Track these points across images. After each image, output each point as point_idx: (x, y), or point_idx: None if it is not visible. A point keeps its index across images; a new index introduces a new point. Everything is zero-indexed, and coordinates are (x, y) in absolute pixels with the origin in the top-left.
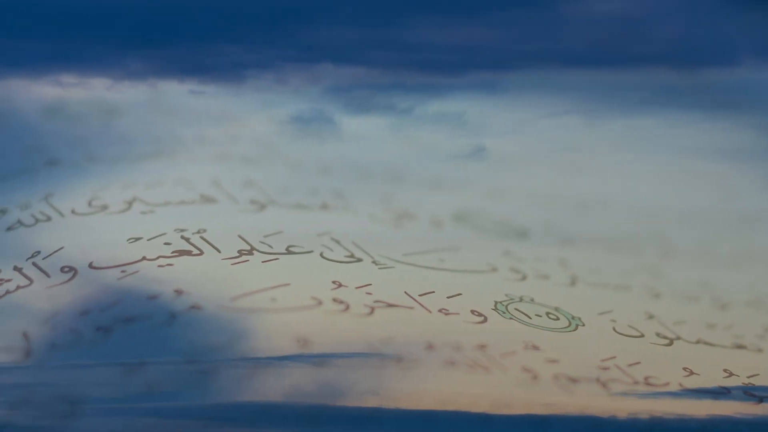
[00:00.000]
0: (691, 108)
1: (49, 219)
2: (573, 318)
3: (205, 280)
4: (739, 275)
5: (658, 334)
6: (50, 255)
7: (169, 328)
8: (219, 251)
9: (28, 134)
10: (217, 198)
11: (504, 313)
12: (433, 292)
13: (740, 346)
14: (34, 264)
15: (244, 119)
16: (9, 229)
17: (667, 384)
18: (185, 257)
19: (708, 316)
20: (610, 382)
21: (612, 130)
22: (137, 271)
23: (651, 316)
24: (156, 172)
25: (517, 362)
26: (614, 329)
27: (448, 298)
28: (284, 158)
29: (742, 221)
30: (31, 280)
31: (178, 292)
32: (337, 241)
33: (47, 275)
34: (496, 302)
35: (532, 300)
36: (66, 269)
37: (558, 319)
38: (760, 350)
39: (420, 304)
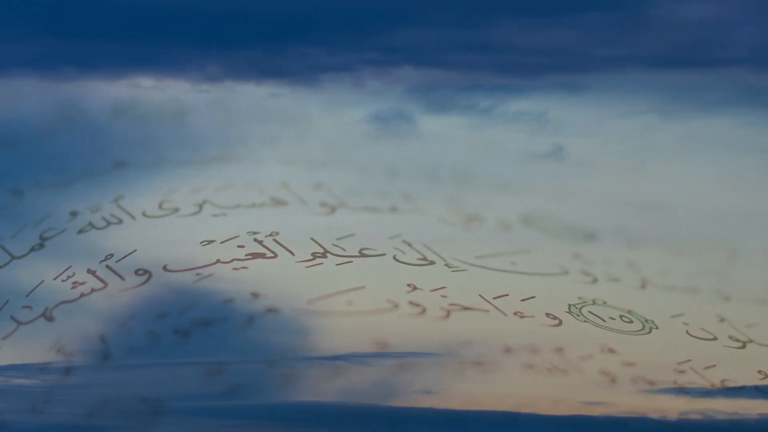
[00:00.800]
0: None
1: (120, 222)
2: (646, 321)
3: (280, 283)
4: None
5: (730, 337)
6: (123, 258)
7: (246, 330)
8: (293, 254)
9: (97, 136)
10: (287, 200)
11: (578, 315)
12: (507, 295)
13: None
14: (107, 267)
15: (317, 121)
16: (80, 231)
17: (743, 386)
18: (259, 260)
19: None
20: (687, 385)
21: (688, 130)
22: (212, 274)
23: (722, 319)
24: (226, 174)
25: (594, 365)
26: (687, 332)
27: (522, 300)
28: (353, 161)
29: None
30: (105, 283)
31: (255, 295)
32: (409, 244)
33: (121, 278)
34: (569, 305)
35: (605, 303)
36: (140, 272)
37: (631, 322)
38: None
39: (495, 307)
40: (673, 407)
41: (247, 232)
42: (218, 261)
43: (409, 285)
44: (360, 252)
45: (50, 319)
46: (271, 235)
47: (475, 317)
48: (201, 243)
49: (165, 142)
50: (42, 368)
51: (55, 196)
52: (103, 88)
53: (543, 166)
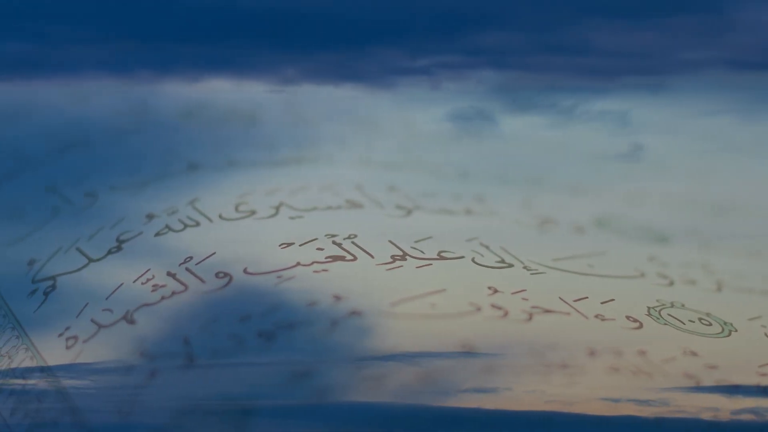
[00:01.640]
0: None
1: (197, 224)
2: (725, 324)
3: (360, 286)
4: None
5: None
6: (203, 260)
7: (331, 333)
8: (372, 256)
9: (169, 138)
10: (363, 203)
11: (658, 318)
12: (587, 297)
13: None
14: (187, 269)
15: (390, 124)
16: (157, 234)
17: None
18: (338, 262)
19: None
20: None
21: (766, 130)
22: (293, 277)
23: None
24: (300, 176)
25: (678, 368)
26: (766, 334)
27: (602, 303)
28: (426, 163)
29: None
30: (185, 286)
31: (337, 298)
32: (486, 247)
33: (202, 281)
34: (648, 308)
35: (683, 306)
36: (221, 275)
37: (710, 324)
38: None
39: (576, 309)
40: (760, 408)
41: (326, 235)
42: (298, 264)
43: (489, 288)
44: (439, 255)
45: (131, 321)
46: (349, 237)
47: (557, 320)
48: (280, 245)
49: (237, 143)
50: (126, 371)
51: (130, 199)
52: (176, 90)
53: (618, 167)
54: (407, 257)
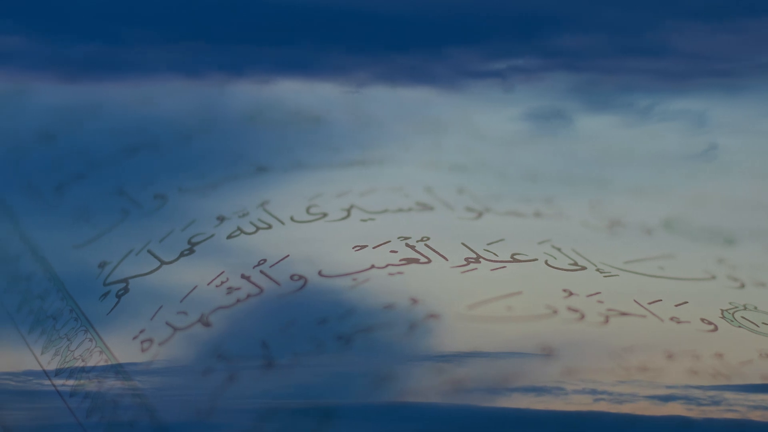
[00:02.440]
0: None
1: (269, 227)
2: None
3: (436, 289)
4: None
5: None
6: (277, 263)
7: (409, 336)
8: (446, 259)
9: (237, 140)
10: (433, 205)
11: (732, 321)
12: (661, 300)
13: None
14: (261, 272)
15: (459, 126)
16: (230, 236)
17: None
18: (413, 265)
19: None
20: None
21: None
22: (368, 280)
23: None
24: (368, 178)
25: (755, 371)
26: None
27: (676, 306)
28: (494, 165)
29: None
30: (261, 288)
31: (414, 301)
32: (558, 249)
33: (277, 283)
34: (722, 310)
35: (756, 308)
36: (296, 277)
37: None
38: None
39: (651, 312)
40: None
41: (398, 237)
42: (373, 266)
43: (564, 290)
44: (512, 257)
45: (207, 324)
46: (422, 240)
47: (633, 323)
48: (353, 248)
49: (305, 145)
50: (204, 373)
51: (200, 201)
52: (244, 91)
53: (688, 167)
54: (481, 260)
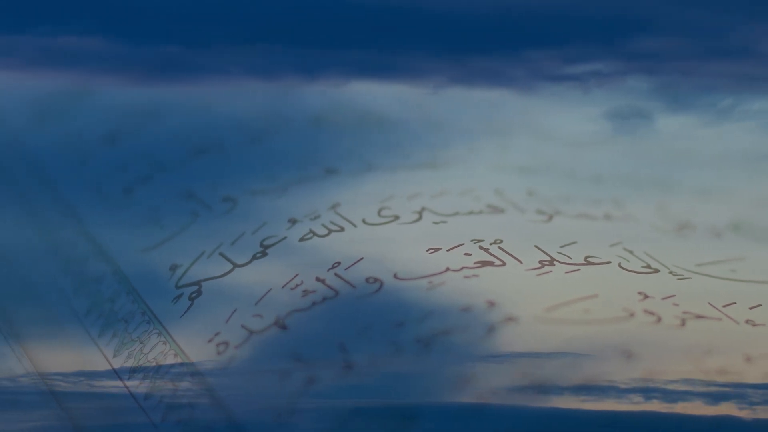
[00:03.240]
0: None
1: (342, 229)
2: None
3: (511, 291)
4: None
5: None
6: (351, 266)
7: (487, 339)
8: (520, 262)
9: (305, 142)
10: (504, 208)
11: None
12: (735, 303)
13: None
14: (336, 275)
15: (532, 128)
16: (302, 239)
17: None
18: (487, 268)
19: None
20: None
21: None
22: (443, 283)
23: None
24: (438, 181)
25: None
26: None
27: (750, 309)
28: (562, 167)
29: None
30: (336, 291)
31: (491, 304)
32: (630, 251)
33: (352, 286)
34: None
35: None
36: (371, 280)
37: None
38: None
39: (726, 315)
40: None
41: (472, 240)
42: (448, 269)
43: (639, 293)
44: (585, 260)
45: (283, 327)
46: (495, 242)
47: (710, 326)
48: (427, 250)
49: (374, 147)
50: (282, 376)
51: (270, 203)
52: (314, 93)
53: (756, 169)
54: (555, 262)
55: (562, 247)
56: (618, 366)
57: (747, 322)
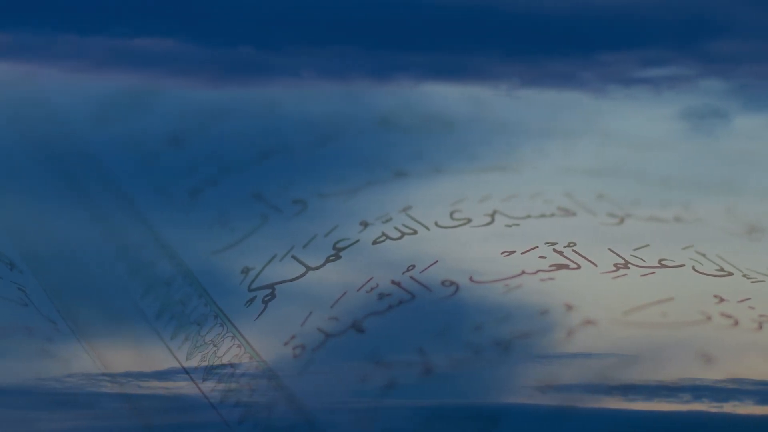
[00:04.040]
0: None
1: (414, 232)
2: None
3: (588, 295)
4: None
5: None
6: (426, 269)
7: (567, 342)
8: (595, 265)
9: (373, 144)
10: (575, 211)
11: None
12: None
13: None
14: (411, 278)
15: (601, 130)
16: (375, 242)
17: None
18: (563, 271)
19: None
20: None
21: None
22: (519, 286)
23: None
24: (508, 183)
25: None
26: None
27: None
28: (631, 170)
29: None
30: (412, 294)
31: (568, 307)
32: (703, 254)
33: (428, 289)
34: None
35: None
36: (447, 283)
37: None
38: None
39: None
40: None
41: (545, 243)
42: (523, 272)
43: (715, 296)
44: (659, 263)
45: (360, 330)
46: (568, 245)
47: None
48: (501, 253)
49: (441, 150)
50: (361, 380)
51: (340, 206)
52: (382, 95)
53: None
54: (629, 265)
55: (635, 250)
56: (699, 368)
57: None
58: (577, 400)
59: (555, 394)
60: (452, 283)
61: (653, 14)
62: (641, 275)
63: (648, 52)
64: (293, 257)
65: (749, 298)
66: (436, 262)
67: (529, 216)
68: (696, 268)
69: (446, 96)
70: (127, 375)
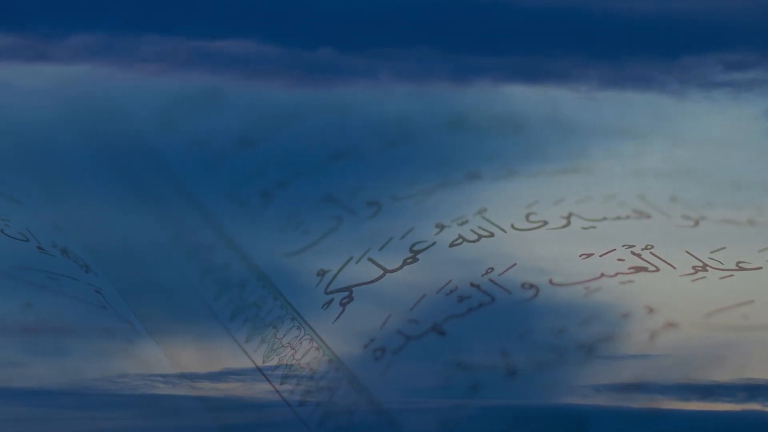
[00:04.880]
0: None
1: (491, 235)
2: None
3: (668, 297)
4: None
5: None
6: (505, 271)
7: (650, 345)
8: (674, 267)
9: (443, 146)
10: (650, 213)
11: None
12: None
13: None
14: (490, 280)
15: (674, 132)
16: (452, 244)
17: None
18: (642, 273)
19: None
20: None
21: None
22: (599, 288)
23: None
24: (581, 186)
25: None
26: None
27: None
28: (701, 172)
29: None
30: (492, 297)
31: (650, 309)
32: None
33: (508, 292)
34: None
35: None
36: (527, 286)
37: None
38: None
39: None
40: None
41: (623, 245)
42: (602, 275)
43: None
44: (737, 265)
45: (441, 333)
46: (646, 248)
47: None
48: (579, 256)
49: (513, 152)
50: (444, 382)
51: (415, 208)
52: (457, 96)
53: None
54: (708, 268)
55: (712, 252)
56: None
57: None
58: (661, 401)
59: (639, 396)
60: (532, 285)
61: (737, 18)
62: (720, 278)
63: (730, 56)
64: (370, 259)
65: None
66: (515, 264)
67: (604, 218)
68: None
69: (523, 98)
70: (201, 376)
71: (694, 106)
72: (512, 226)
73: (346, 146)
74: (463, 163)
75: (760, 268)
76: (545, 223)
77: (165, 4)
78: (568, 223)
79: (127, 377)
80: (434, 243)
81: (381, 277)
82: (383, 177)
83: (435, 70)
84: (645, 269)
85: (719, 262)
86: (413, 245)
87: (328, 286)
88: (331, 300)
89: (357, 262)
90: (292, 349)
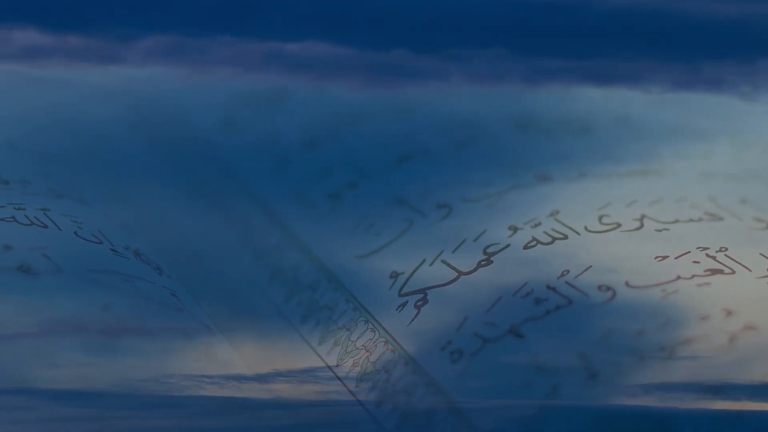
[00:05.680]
0: None
1: (565, 237)
2: None
3: (745, 300)
4: None
5: None
6: (581, 274)
7: (730, 347)
8: (750, 270)
9: (510, 147)
10: (722, 215)
11: None
12: None
13: None
14: (566, 283)
15: (744, 134)
16: (526, 247)
17: None
18: (718, 276)
19: None
20: None
21: None
22: (676, 291)
23: None
24: (652, 188)
25: None
26: None
27: None
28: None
29: None
30: (569, 299)
31: (728, 312)
32: None
33: (585, 294)
34: None
35: None
36: (603, 288)
37: None
38: None
39: None
40: None
41: (697, 248)
42: (678, 277)
43: None
44: None
45: (519, 335)
46: (720, 250)
47: None
48: (655, 258)
49: (583, 154)
50: (524, 385)
51: (486, 210)
52: (528, 98)
53: None
54: None
55: None
56: None
57: None
58: (744, 404)
59: (722, 399)
60: (609, 288)
61: None
62: None
63: None
64: (443, 262)
65: None
66: (590, 267)
67: (677, 220)
68: None
69: (593, 99)
70: (275, 376)
71: (764, 109)
72: (585, 228)
73: (415, 148)
74: (533, 165)
75: None
76: (619, 225)
77: (239, 6)
78: (642, 225)
79: (206, 377)
80: (508, 245)
81: (455, 279)
82: (453, 179)
83: (506, 71)
84: (720, 272)
85: None
86: (487, 247)
87: (401, 288)
88: (406, 302)
89: (430, 265)
90: (367, 351)
